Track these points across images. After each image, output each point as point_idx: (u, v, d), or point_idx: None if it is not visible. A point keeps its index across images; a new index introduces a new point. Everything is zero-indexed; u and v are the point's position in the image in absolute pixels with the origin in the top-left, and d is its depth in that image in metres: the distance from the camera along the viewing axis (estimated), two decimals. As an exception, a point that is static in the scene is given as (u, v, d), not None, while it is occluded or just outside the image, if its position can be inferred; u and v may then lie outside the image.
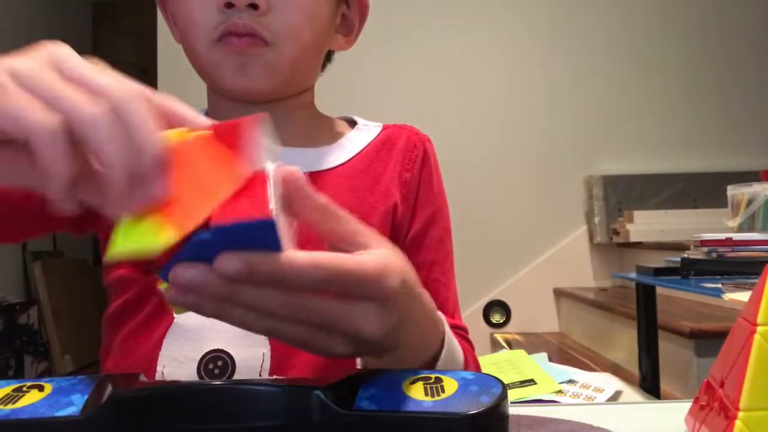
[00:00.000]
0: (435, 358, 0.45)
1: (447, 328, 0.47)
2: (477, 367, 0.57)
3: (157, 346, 0.55)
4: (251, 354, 0.54)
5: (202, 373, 0.54)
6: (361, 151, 0.65)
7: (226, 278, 0.30)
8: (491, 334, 2.59)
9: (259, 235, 0.30)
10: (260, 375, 0.54)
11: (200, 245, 0.30)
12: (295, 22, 0.58)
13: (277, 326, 0.33)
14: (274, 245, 0.30)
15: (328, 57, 0.69)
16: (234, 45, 0.56)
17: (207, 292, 0.30)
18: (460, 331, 0.59)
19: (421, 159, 0.66)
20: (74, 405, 0.33)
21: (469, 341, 0.60)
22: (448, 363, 0.46)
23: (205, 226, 0.30)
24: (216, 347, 0.54)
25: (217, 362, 0.54)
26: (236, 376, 0.53)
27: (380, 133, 0.68)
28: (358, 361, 0.44)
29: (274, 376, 0.54)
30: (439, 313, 0.46)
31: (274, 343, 0.55)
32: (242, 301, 0.31)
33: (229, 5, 0.55)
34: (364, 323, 0.34)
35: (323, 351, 0.35)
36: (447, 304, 0.62)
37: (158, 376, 0.54)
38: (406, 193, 0.64)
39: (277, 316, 0.32)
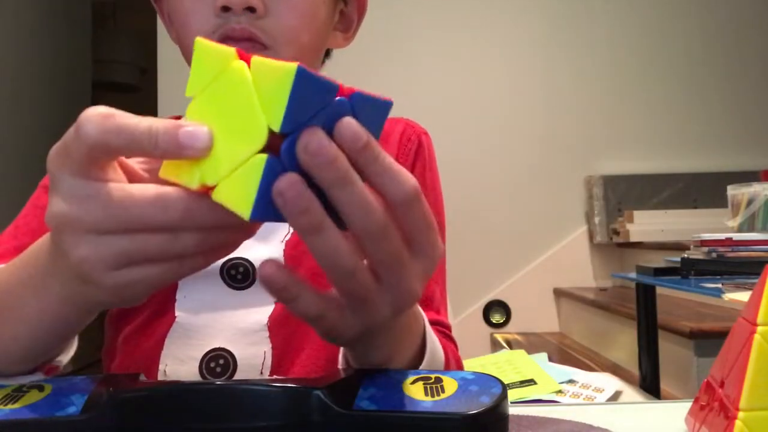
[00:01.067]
0: (416, 357, 0.44)
1: (427, 325, 0.46)
2: (458, 366, 0.57)
3: (159, 345, 0.55)
4: (252, 352, 0.54)
5: (204, 372, 0.54)
6: None
7: (351, 141, 0.29)
8: (491, 334, 2.59)
9: (379, 115, 0.32)
10: (261, 373, 0.54)
11: (339, 106, 0.29)
12: (293, 24, 0.57)
13: (357, 268, 0.31)
14: (379, 130, 0.32)
15: (327, 53, 0.69)
16: None
17: (332, 160, 0.29)
18: (443, 328, 0.58)
19: (414, 152, 0.65)
20: (74, 405, 0.33)
21: (451, 339, 0.59)
22: (431, 362, 0.45)
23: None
24: (217, 346, 0.54)
25: (218, 361, 0.54)
26: (237, 375, 0.54)
27: None
28: (340, 358, 0.44)
29: (275, 376, 0.54)
30: (419, 309, 0.45)
31: (275, 341, 0.55)
32: (350, 191, 0.29)
33: (226, 9, 0.54)
34: (416, 279, 0.33)
35: (372, 310, 0.33)
36: (434, 298, 0.61)
37: (160, 375, 0.54)
38: None
39: (365, 244, 0.31)
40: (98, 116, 0.30)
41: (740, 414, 0.32)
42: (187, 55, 0.60)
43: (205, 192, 0.30)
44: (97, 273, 0.31)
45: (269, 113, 0.28)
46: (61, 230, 0.32)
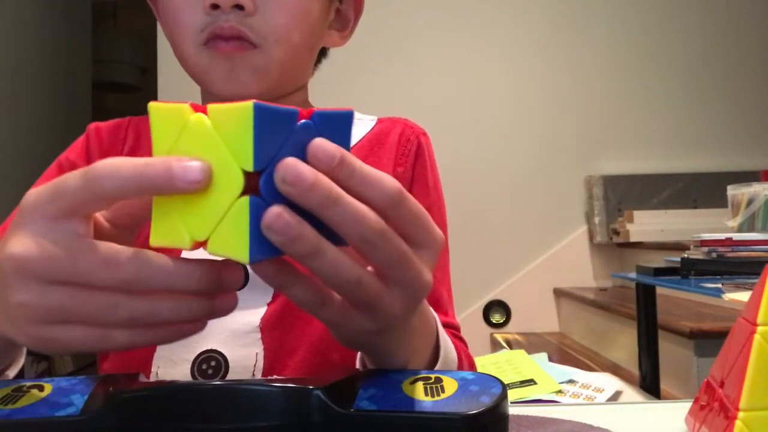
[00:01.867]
0: (431, 359, 0.44)
1: (439, 326, 0.46)
2: (471, 366, 0.57)
3: (152, 346, 0.55)
4: (244, 354, 0.54)
5: (196, 374, 0.53)
6: (354, 145, 0.63)
7: (326, 161, 0.29)
8: (491, 334, 2.59)
9: (344, 128, 0.32)
10: (253, 375, 0.54)
11: (303, 130, 0.30)
12: (283, 23, 0.56)
13: (362, 277, 0.31)
14: (348, 141, 0.32)
15: (324, 52, 0.68)
16: (221, 49, 0.55)
17: (312, 184, 0.28)
18: (453, 330, 0.58)
19: (414, 153, 0.65)
20: (74, 405, 0.33)
21: (461, 339, 0.59)
22: (444, 363, 0.45)
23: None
24: (209, 347, 0.54)
25: (210, 362, 0.54)
26: (229, 376, 0.53)
27: (374, 126, 0.66)
28: (357, 362, 0.44)
29: (274, 376, 0.54)
30: (432, 311, 0.45)
31: (267, 343, 0.55)
32: (339, 208, 0.29)
33: (215, 7, 0.54)
34: (424, 269, 0.33)
35: (385, 310, 0.33)
36: (441, 300, 0.61)
37: (152, 377, 0.54)
38: None
39: (367, 251, 0.31)
40: (111, 165, 0.30)
41: (740, 414, 0.32)
42: (179, 56, 0.59)
43: (199, 247, 0.31)
44: (26, 321, 0.31)
45: (239, 155, 0.29)
46: (10, 270, 0.31)
